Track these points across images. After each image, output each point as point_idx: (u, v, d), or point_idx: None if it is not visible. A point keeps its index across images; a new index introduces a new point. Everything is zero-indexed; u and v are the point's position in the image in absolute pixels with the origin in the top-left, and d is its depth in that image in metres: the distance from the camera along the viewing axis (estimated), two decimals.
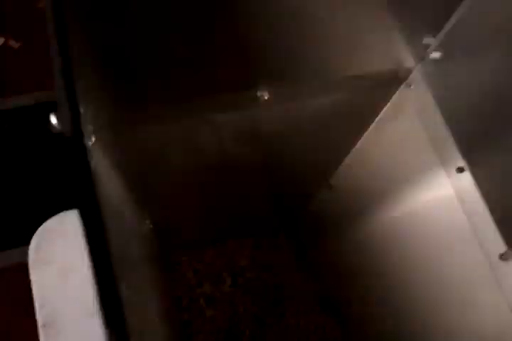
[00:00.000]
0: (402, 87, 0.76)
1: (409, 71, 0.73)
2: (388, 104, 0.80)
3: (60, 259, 0.62)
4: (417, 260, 0.81)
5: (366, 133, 0.86)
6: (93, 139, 0.62)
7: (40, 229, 0.67)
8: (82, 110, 0.59)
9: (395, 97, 0.79)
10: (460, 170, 0.67)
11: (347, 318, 1.17)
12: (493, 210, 0.63)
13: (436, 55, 0.69)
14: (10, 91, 1.61)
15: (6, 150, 1.57)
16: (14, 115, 1.58)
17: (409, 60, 0.72)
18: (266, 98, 0.69)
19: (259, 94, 0.69)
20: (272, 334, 1.18)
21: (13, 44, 1.75)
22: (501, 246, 0.62)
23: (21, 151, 1.56)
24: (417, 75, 0.73)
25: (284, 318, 1.21)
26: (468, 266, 0.70)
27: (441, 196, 0.72)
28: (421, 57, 0.71)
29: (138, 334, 0.55)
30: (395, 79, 0.75)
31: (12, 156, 1.56)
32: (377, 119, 0.83)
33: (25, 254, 0.74)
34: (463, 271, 0.72)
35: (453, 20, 0.64)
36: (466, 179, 0.66)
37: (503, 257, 0.62)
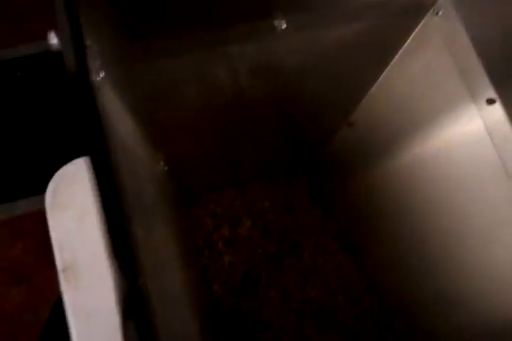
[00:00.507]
0: (428, 14, 0.71)
1: None
2: (413, 34, 0.75)
3: (76, 204, 0.61)
4: (444, 196, 0.78)
5: (389, 66, 0.81)
6: (101, 74, 0.58)
7: (56, 175, 0.66)
8: (88, 44, 0.55)
9: (420, 26, 0.73)
10: (491, 101, 0.64)
11: (365, 257, 1.17)
12: None
13: None
14: (21, 39, 1.57)
15: (19, 98, 1.55)
16: (26, 63, 1.55)
17: None
18: (283, 28, 0.65)
19: (276, 23, 0.65)
20: (288, 276, 1.18)
21: None
22: None
23: (34, 99, 1.53)
24: (445, 0, 0.68)
25: (301, 259, 1.20)
26: (497, 201, 0.68)
27: (470, 130, 0.68)
28: None
29: (151, 276, 0.53)
30: (420, 6, 0.70)
31: (25, 105, 1.53)
32: (401, 50, 0.78)
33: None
34: (492, 207, 0.69)
35: None
36: (497, 111, 0.63)
37: None
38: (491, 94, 0.63)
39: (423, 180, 0.82)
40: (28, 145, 1.49)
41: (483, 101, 0.64)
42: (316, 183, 1.26)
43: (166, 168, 0.83)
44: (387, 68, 0.82)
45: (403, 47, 0.77)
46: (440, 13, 0.69)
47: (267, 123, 0.89)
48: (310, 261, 1.20)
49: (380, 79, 0.84)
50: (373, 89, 0.86)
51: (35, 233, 1.32)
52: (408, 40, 0.76)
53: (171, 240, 0.80)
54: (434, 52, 0.72)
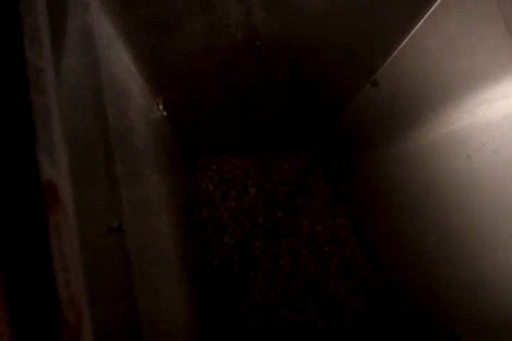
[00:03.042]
0: None
1: None
2: None
3: None
4: (481, 175, 0.69)
5: (423, 19, 0.71)
6: None
7: None
8: None
9: None
10: None
11: (371, 232, 1.11)
12: None
13: None
14: None
15: None
16: None
17: None
18: None
19: None
20: (284, 245, 1.12)
21: None
22: None
23: None
24: None
25: (300, 227, 1.14)
26: None
27: None
28: None
29: (130, 220, 0.47)
30: None
31: None
32: (438, 1, 0.68)
33: None
34: None
35: None
36: None
37: None
38: None
39: (456, 155, 0.72)
40: None
41: None
42: (328, 152, 1.19)
43: (165, 114, 0.75)
44: (421, 21, 0.72)
45: None
46: None
47: (281, 74, 0.80)
48: (308, 229, 1.14)
49: (413, 33, 0.73)
50: (404, 44, 0.76)
51: None
52: None
53: (166, 193, 0.73)
54: (477, 3, 0.63)
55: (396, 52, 0.78)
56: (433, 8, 0.69)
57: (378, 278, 1.08)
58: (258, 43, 0.67)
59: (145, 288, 0.49)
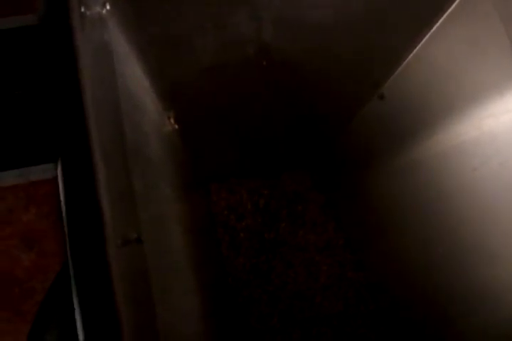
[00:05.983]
0: None
1: None
2: None
3: None
4: (487, 187, 0.69)
5: (429, 34, 0.73)
6: (108, 7, 0.52)
7: None
8: None
9: None
10: None
11: (358, 240, 1.13)
12: None
13: None
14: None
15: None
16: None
17: None
18: None
19: None
20: (280, 255, 1.14)
21: None
22: None
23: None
24: None
25: (296, 237, 1.16)
26: None
27: None
28: None
29: (147, 231, 0.48)
30: None
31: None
32: (444, 17, 0.70)
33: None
34: None
35: None
36: None
37: None
38: None
39: (462, 167, 0.73)
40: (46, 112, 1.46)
41: None
42: (326, 165, 1.21)
43: (176, 127, 0.76)
44: (427, 36, 0.73)
45: (447, 13, 0.69)
46: None
47: (287, 89, 0.81)
48: (302, 238, 1.16)
49: (419, 47, 0.75)
50: (410, 58, 0.77)
51: (50, 199, 1.32)
52: (454, 5, 0.68)
53: (180, 207, 0.74)
54: (482, 19, 0.64)
55: (403, 65, 0.79)
56: (439, 23, 0.71)
57: (365, 277, 1.10)
58: (264, 63, 0.69)
59: (162, 299, 0.50)
